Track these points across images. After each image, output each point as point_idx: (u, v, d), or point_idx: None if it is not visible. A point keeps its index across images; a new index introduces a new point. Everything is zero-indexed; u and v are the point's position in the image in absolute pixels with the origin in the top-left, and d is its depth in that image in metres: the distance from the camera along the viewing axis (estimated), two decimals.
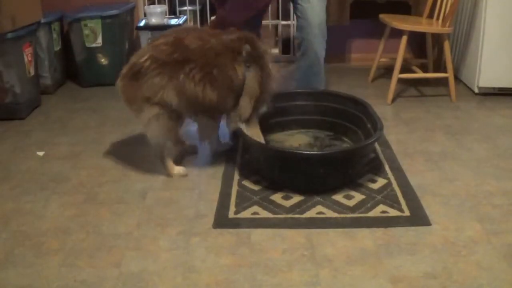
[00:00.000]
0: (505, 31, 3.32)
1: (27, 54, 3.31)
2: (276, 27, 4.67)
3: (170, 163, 2.48)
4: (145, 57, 2.27)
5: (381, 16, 3.65)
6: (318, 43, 2.83)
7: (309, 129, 2.82)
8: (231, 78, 2.30)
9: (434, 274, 1.74)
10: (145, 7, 4.13)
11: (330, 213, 2.12)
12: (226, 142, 2.75)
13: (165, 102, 2.27)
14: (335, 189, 2.27)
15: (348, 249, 1.89)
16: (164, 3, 4.47)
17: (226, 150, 2.69)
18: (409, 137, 2.88)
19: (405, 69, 3.57)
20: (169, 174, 2.47)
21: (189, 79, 2.25)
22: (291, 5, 2.94)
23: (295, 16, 2.99)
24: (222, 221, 2.08)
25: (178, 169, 2.49)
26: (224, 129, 2.74)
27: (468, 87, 3.64)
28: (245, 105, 2.37)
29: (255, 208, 2.16)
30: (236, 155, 2.66)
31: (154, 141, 2.40)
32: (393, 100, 3.44)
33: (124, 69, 2.34)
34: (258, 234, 1.99)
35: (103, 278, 1.76)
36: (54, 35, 3.79)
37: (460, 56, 3.78)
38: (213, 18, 2.77)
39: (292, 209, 2.15)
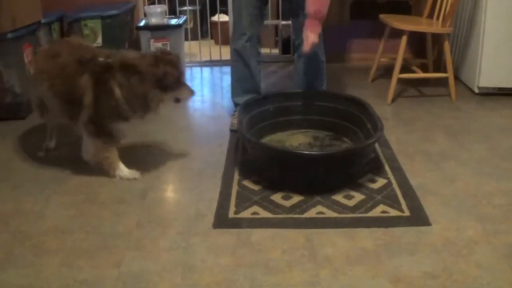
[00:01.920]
0: (505, 31, 3.32)
1: (27, 54, 3.31)
2: (276, 27, 4.67)
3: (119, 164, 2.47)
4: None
5: (381, 16, 3.65)
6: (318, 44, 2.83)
7: (309, 129, 2.82)
8: (75, 91, 2.33)
9: (434, 274, 1.74)
10: (145, 7, 4.13)
11: (330, 213, 2.12)
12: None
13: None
14: (335, 189, 2.27)
15: (348, 249, 1.89)
16: (164, 3, 4.47)
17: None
18: (409, 137, 2.88)
19: (405, 69, 3.57)
20: (112, 175, 2.45)
21: (44, 88, 2.44)
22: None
23: (291, 18, 2.96)
24: (222, 221, 2.08)
25: (128, 172, 2.46)
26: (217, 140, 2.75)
27: (468, 87, 3.64)
28: (84, 115, 2.36)
29: (255, 208, 2.16)
30: (236, 155, 2.66)
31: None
32: (393, 100, 3.44)
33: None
34: (258, 234, 1.99)
35: (103, 278, 1.76)
36: (54, 35, 3.78)
37: (460, 56, 3.78)
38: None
39: (292, 209, 2.15)
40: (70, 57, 2.37)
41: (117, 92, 2.30)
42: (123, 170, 2.45)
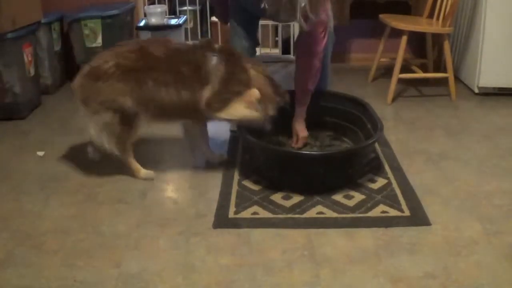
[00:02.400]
0: (505, 31, 3.32)
1: (27, 54, 3.31)
2: (276, 27, 4.67)
3: (135, 165, 2.46)
4: (110, 63, 2.32)
5: (381, 16, 3.65)
6: (329, 42, 2.81)
7: (309, 129, 2.81)
8: (200, 68, 2.33)
9: (434, 274, 1.74)
10: (145, 7, 4.13)
11: (330, 213, 2.12)
12: (220, 154, 2.65)
13: (120, 108, 2.32)
14: (335, 189, 2.27)
15: (348, 249, 1.89)
16: (164, 3, 4.48)
17: (220, 162, 2.59)
18: (409, 137, 2.88)
19: (405, 69, 3.57)
20: (135, 176, 2.45)
21: (158, 83, 2.31)
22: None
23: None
24: (222, 221, 2.08)
25: (146, 172, 2.46)
26: (217, 140, 2.72)
27: (468, 87, 3.64)
28: (206, 92, 2.33)
29: (255, 208, 2.16)
30: (236, 155, 2.66)
31: (106, 143, 2.39)
32: (393, 100, 3.44)
33: (86, 69, 2.39)
34: (258, 234, 1.99)
35: (103, 278, 1.76)
36: (54, 35, 3.78)
37: (460, 56, 3.78)
38: None
39: (292, 209, 2.15)
40: (184, 45, 2.41)
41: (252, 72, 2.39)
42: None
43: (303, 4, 2.18)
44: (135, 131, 2.41)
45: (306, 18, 2.24)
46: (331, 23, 2.70)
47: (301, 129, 2.62)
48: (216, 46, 2.43)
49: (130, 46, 2.44)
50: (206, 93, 2.33)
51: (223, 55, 2.38)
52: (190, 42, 2.46)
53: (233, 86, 2.36)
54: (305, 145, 2.65)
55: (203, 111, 2.36)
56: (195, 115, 2.41)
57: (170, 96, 2.32)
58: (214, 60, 2.35)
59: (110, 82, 2.31)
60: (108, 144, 2.39)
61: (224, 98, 2.34)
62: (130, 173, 2.46)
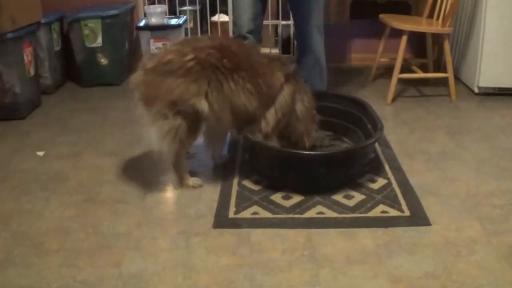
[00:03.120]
0: (505, 31, 3.32)
1: (27, 54, 3.31)
2: (276, 27, 4.66)
3: (186, 174, 2.32)
4: (189, 57, 2.03)
5: (381, 16, 3.65)
6: (317, 44, 2.83)
7: None
8: (272, 87, 2.19)
9: (434, 274, 1.74)
10: (145, 7, 4.13)
11: (330, 213, 2.12)
12: (223, 154, 2.65)
13: (193, 111, 2.06)
14: (335, 189, 2.27)
15: (348, 249, 1.89)
16: (164, 3, 4.47)
17: (224, 162, 2.59)
18: (409, 137, 2.88)
19: (405, 69, 3.57)
20: (183, 185, 2.29)
21: (239, 88, 2.10)
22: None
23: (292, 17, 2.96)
24: (222, 221, 2.08)
25: (193, 180, 2.33)
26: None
27: (468, 87, 3.64)
28: (270, 117, 2.22)
29: (255, 208, 2.16)
30: (236, 155, 2.66)
31: (166, 151, 2.15)
32: (393, 100, 3.44)
33: (151, 63, 2.07)
34: (258, 234, 1.99)
35: (103, 278, 1.76)
36: (54, 35, 3.78)
37: (460, 56, 3.78)
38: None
39: (292, 209, 2.15)
40: (261, 55, 2.25)
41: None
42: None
43: None
44: (196, 138, 2.19)
45: None
46: (320, 20, 2.71)
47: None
48: (285, 67, 2.29)
49: (208, 40, 2.18)
50: (270, 116, 2.22)
51: (291, 80, 2.27)
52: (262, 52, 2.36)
53: (285, 123, 2.27)
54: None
55: (258, 130, 2.24)
56: (247, 128, 2.25)
57: (245, 105, 2.12)
58: (284, 83, 2.22)
59: (186, 79, 2.02)
60: (169, 153, 2.13)
61: (283, 132, 2.28)
62: (176, 181, 2.32)
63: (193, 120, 2.10)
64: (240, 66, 2.11)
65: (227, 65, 2.08)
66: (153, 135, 2.11)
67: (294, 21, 2.99)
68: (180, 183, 2.31)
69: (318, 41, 2.85)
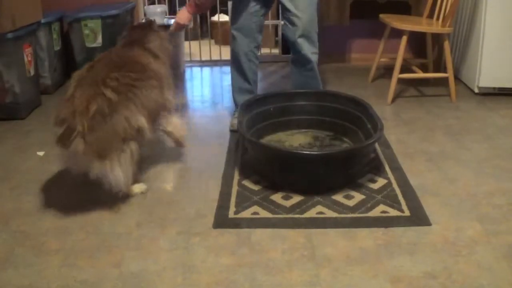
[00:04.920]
0: (505, 31, 3.32)
1: (27, 54, 3.31)
2: (276, 27, 4.67)
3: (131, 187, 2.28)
4: (100, 100, 2.05)
5: (381, 16, 3.65)
6: (306, 47, 2.81)
7: (309, 129, 2.82)
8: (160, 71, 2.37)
9: (434, 274, 1.74)
10: (145, 7, 4.14)
11: (330, 213, 2.12)
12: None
13: (137, 131, 2.14)
14: (335, 189, 2.27)
15: (348, 249, 1.89)
16: (164, 3, 4.47)
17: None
18: (409, 137, 2.88)
19: (405, 69, 3.57)
20: (130, 195, 2.27)
21: (145, 92, 2.20)
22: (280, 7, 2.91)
23: (283, 20, 2.94)
24: (222, 221, 2.08)
25: (139, 187, 2.32)
26: (217, 140, 2.77)
27: (468, 87, 3.64)
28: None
29: (255, 208, 2.16)
30: (236, 155, 2.66)
31: (124, 180, 2.14)
32: (393, 100, 3.44)
33: (81, 125, 1.99)
34: (258, 234, 1.99)
35: (103, 278, 1.76)
36: (54, 35, 3.78)
37: (460, 56, 3.78)
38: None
39: (292, 209, 2.15)
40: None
41: None
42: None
43: None
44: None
45: None
46: (309, 16, 2.73)
47: (184, 17, 2.84)
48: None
49: (97, 69, 2.19)
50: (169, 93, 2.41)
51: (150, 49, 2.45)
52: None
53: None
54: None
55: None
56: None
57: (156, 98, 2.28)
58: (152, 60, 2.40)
59: (118, 114, 2.07)
60: (130, 177, 2.17)
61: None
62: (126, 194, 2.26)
63: (138, 138, 2.18)
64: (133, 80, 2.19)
65: (128, 80, 2.15)
66: (119, 173, 2.10)
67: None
68: (130, 193, 2.28)
69: (307, 46, 2.82)
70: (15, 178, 2.49)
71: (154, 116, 2.29)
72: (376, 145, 2.66)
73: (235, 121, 2.79)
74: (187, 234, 2.00)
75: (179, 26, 2.90)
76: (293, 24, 2.75)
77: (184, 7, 2.90)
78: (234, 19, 2.88)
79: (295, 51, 2.83)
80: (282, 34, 2.95)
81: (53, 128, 2.07)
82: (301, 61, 2.84)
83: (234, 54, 2.93)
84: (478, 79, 3.46)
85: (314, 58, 2.84)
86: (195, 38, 4.85)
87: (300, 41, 2.77)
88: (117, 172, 2.09)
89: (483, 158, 2.60)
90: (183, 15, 2.85)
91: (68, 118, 2.02)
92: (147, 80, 2.24)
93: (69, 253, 1.90)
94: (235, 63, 2.94)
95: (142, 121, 2.16)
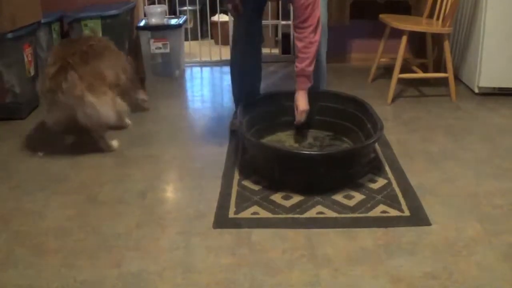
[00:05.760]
0: (505, 31, 3.32)
1: (27, 54, 3.31)
2: (276, 27, 4.67)
3: (107, 138, 2.72)
4: (83, 48, 2.57)
5: (381, 16, 3.65)
6: (321, 43, 2.82)
7: (309, 129, 2.82)
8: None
9: (434, 274, 1.74)
10: (145, 7, 4.14)
11: (330, 213, 2.12)
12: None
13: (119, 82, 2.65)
14: (335, 189, 2.27)
15: (348, 249, 1.89)
16: (164, 3, 4.47)
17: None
18: (409, 137, 2.88)
19: (405, 69, 3.57)
20: (109, 149, 2.71)
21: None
22: (291, 6, 2.92)
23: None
24: (222, 221, 2.08)
25: (115, 142, 2.76)
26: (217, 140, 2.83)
27: (468, 87, 3.64)
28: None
29: (255, 208, 2.16)
30: (236, 155, 2.66)
31: (113, 120, 2.61)
32: (393, 100, 3.44)
33: (70, 60, 2.48)
34: (258, 234, 1.99)
35: (103, 278, 1.76)
36: (54, 35, 3.78)
37: (460, 56, 3.78)
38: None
39: (292, 209, 2.15)
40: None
41: None
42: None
43: None
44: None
45: None
46: (324, 18, 2.72)
47: (302, 102, 2.61)
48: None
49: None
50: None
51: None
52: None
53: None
54: (304, 124, 2.69)
55: None
56: None
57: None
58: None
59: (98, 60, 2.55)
60: (114, 120, 2.61)
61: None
62: (104, 147, 2.71)
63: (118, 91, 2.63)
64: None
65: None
66: (105, 108, 2.52)
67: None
68: (108, 147, 2.72)
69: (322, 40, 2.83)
70: (15, 178, 2.49)
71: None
72: (376, 145, 2.66)
73: (235, 121, 2.79)
74: (187, 234, 2.00)
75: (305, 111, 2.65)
76: None
77: (298, 91, 2.61)
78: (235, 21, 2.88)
79: None
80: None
81: (43, 83, 2.54)
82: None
83: (234, 54, 2.92)
84: (478, 79, 3.46)
85: (323, 53, 2.85)
86: (195, 38, 4.85)
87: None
88: (105, 107, 2.49)
89: (483, 158, 2.60)
90: (303, 99, 2.61)
91: (59, 60, 2.47)
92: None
93: (69, 253, 1.90)
94: (235, 63, 2.93)
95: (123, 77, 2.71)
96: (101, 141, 2.69)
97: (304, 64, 2.56)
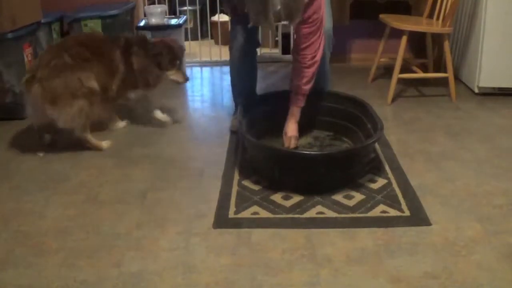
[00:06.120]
0: (505, 31, 3.32)
1: (27, 54, 3.31)
2: (276, 27, 4.66)
3: (94, 140, 2.77)
4: (66, 57, 2.63)
5: (381, 16, 3.65)
6: (326, 44, 2.81)
7: (309, 129, 2.82)
8: (113, 61, 2.79)
9: (434, 274, 1.74)
10: (145, 7, 4.13)
11: (330, 213, 2.12)
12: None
13: (89, 90, 2.65)
14: (335, 189, 2.27)
15: (348, 249, 1.89)
16: (164, 3, 4.47)
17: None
18: (409, 137, 2.88)
19: (405, 69, 3.57)
20: (98, 148, 2.76)
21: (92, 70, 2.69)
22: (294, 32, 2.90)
23: None
24: (222, 221, 2.08)
25: (106, 142, 2.81)
26: (217, 140, 2.82)
27: (468, 87, 3.64)
28: (116, 81, 2.83)
29: (255, 208, 2.16)
30: (236, 155, 2.66)
31: (77, 127, 2.69)
32: (393, 100, 3.44)
33: (41, 72, 2.58)
34: (258, 234, 1.99)
35: (103, 278, 1.76)
36: (54, 35, 3.78)
37: (460, 56, 3.78)
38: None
39: (292, 209, 2.15)
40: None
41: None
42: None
43: (277, 8, 2.15)
44: (98, 110, 2.76)
45: (290, 19, 2.24)
46: (329, 24, 2.70)
47: (290, 129, 2.60)
48: (119, 42, 2.86)
49: (72, 40, 2.84)
50: (116, 81, 2.82)
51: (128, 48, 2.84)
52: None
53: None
54: (296, 146, 2.62)
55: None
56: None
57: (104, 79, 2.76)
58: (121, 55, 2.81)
59: (75, 72, 2.61)
60: (79, 127, 2.69)
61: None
62: (92, 148, 2.75)
63: (91, 97, 2.68)
64: (90, 56, 2.70)
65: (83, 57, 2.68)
66: (64, 119, 2.64)
67: None
68: (96, 147, 2.76)
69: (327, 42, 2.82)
70: (15, 178, 2.49)
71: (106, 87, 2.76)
72: (376, 145, 2.66)
73: (235, 122, 2.79)
74: (187, 234, 2.00)
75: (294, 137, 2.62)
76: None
77: (289, 118, 2.59)
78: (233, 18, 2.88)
79: None
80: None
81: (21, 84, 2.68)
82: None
83: (233, 54, 2.92)
84: (478, 79, 3.46)
85: (328, 56, 2.85)
86: (195, 38, 4.85)
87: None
88: (64, 118, 2.62)
89: (483, 158, 2.60)
90: (293, 125, 2.60)
91: (33, 69, 2.65)
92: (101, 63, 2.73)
93: (69, 253, 1.90)
94: (234, 63, 2.93)
95: (93, 84, 2.67)
96: (84, 141, 2.75)
97: (301, 82, 2.53)
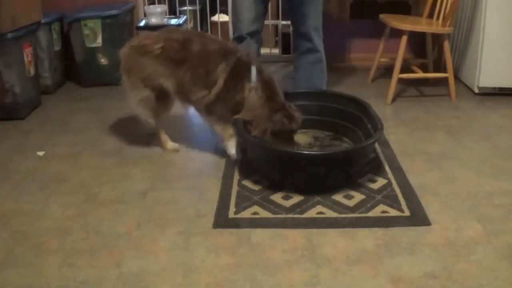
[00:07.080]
0: (505, 31, 3.32)
1: (27, 54, 3.31)
2: (276, 27, 4.67)
3: (164, 137, 2.74)
4: (159, 45, 2.52)
5: (381, 16, 3.65)
6: (317, 43, 2.83)
7: (309, 129, 2.82)
8: (211, 74, 2.48)
9: (434, 274, 1.74)
10: (145, 7, 4.13)
11: (330, 213, 2.12)
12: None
13: (160, 87, 2.55)
14: (335, 189, 2.27)
15: (348, 249, 1.89)
16: (164, 3, 4.47)
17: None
18: (409, 137, 2.88)
19: (405, 69, 3.57)
20: (163, 148, 2.73)
21: (183, 75, 2.51)
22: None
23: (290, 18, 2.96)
24: (222, 221, 2.08)
25: (172, 144, 2.74)
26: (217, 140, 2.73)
27: (468, 87, 3.64)
28: (212, 94, 2.51)
29: (255, 208, 2.16)
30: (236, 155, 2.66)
31: (141, 115, 2.65)
32: (393, 100, 3.44)
33: (134, 41, 2.62)
34: (258, 234, 1.99)
35: (103, 278, 1.76)
36: (54, 35, 3.78)
37: (460, 56, 3.78)
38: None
39: (292, 209, 2.15)
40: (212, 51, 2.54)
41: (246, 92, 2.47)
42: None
43: None
44: (167, 109, 2.69)
45: None
46: (318, 23, 2.73)
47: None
48: (237, 54, 2.51)
49: (178, 33, 2.65)
50: (212, 94, 2.49)
51: (237, 69, 2.48)
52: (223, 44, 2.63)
53: (229, 103, 2.48)
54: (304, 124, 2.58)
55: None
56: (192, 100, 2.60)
57: (189, 85, 2.53)
58: (224, 71, 2.46)
59: (152, 62, 2.52)
60: (143, 115, 2.64)
61: (218, 109, 2.53)
62: (159, 143, 2.74)
63: (160, 94, 2.58)
64: (186, 59, 2.51)
65: (180, 58, 2.51)
66: (130, 100, 2.63)
67: (292, 22, 2.99)
68: (162, 145, 2.73)
69: (317, 41, 2.86)
70: (15, 178, 2.49)
71: (183, 92, 2.57)
72: (376, 145, 2.66)
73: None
74: (187, 234, 2.00)
75: None
76: (304, 17, 2.77)
77: None
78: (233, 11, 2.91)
79: (307, 40, 2.85)
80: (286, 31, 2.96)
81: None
82: (312, 51, 2.87)
83: None
84: (478, 79, 3.46)
85: (322, 50, 2.86)
86: None
87: (313, 33, 2.82)
88: (129, 95, 2.62)
89: (483, 158, 2.60)
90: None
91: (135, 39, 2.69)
92: (194, 69, 2.51)
93: (69, 253, 1.90)
94: None
95: (167, 84, 2.54)
96: (155, 131, 2.75)
97: None
